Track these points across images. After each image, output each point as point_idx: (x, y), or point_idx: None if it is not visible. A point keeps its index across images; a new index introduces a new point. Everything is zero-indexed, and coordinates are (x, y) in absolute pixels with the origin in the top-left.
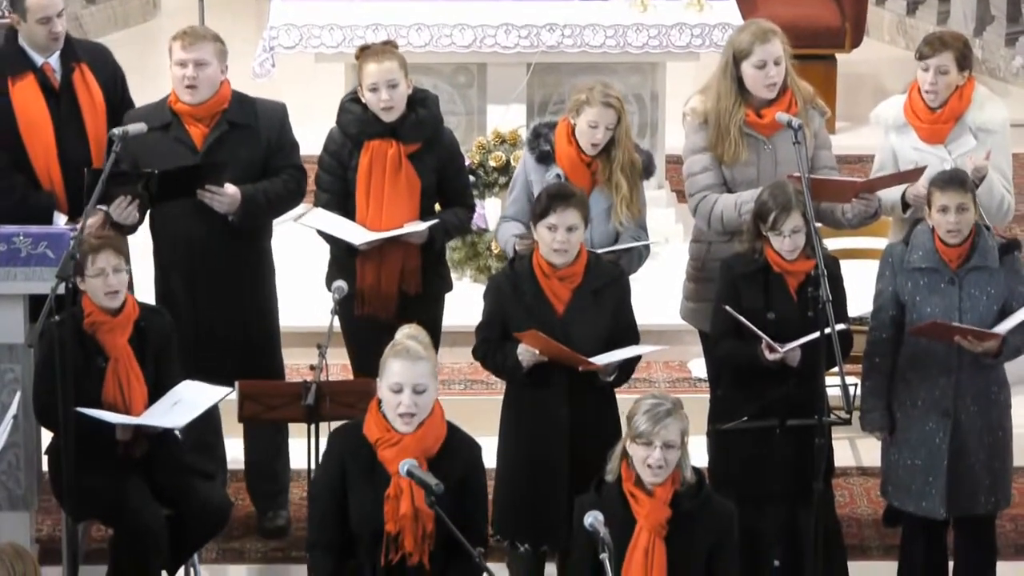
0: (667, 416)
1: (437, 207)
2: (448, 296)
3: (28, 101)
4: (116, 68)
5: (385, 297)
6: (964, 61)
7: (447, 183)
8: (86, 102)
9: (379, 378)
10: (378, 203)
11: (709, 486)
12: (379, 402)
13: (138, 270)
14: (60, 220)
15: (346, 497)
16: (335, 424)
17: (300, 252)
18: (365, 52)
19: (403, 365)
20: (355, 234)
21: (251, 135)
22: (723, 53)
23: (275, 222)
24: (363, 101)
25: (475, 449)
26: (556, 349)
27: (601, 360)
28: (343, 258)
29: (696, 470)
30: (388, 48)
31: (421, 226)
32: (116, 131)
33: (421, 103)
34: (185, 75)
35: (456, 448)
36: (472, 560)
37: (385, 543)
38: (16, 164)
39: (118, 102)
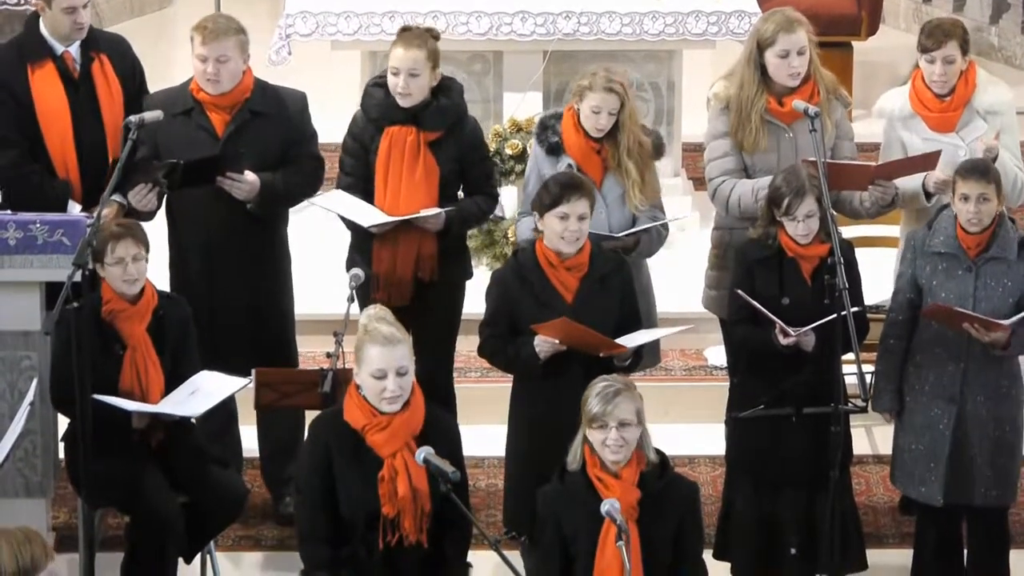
0: (616, 395)
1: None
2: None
3: (47, 89)
4: (135, 61)
5: (400, 282)
6: (966, 46)
7: (469, 172)
8: (104, 92)
9: (356, 364)
10: (395, 189)
11: (671, 464)
12: (357, 387)
13: (152, 256)
14: (74, 209)
15: (334, 486)
16: None
17: (317, 239)
18: (401, 33)
19: (382, 351)
20: (367, 216)
21: (272, 124)
22: (748, 40)
23: (292, 209)
24: (386, 85)
25: (453, 422)
26: (583, 333)
27: (626, 342)
28: (362, 243)
29: (658, 451)
30: (424, 36)
31: (436, 211)
32: (132, 119)
33: (445, 91)
34: (206, 70)
35: (437, 423)
36: (462, 530)
37: (382, 526)
38: (32, 152)
39: (135, 94)
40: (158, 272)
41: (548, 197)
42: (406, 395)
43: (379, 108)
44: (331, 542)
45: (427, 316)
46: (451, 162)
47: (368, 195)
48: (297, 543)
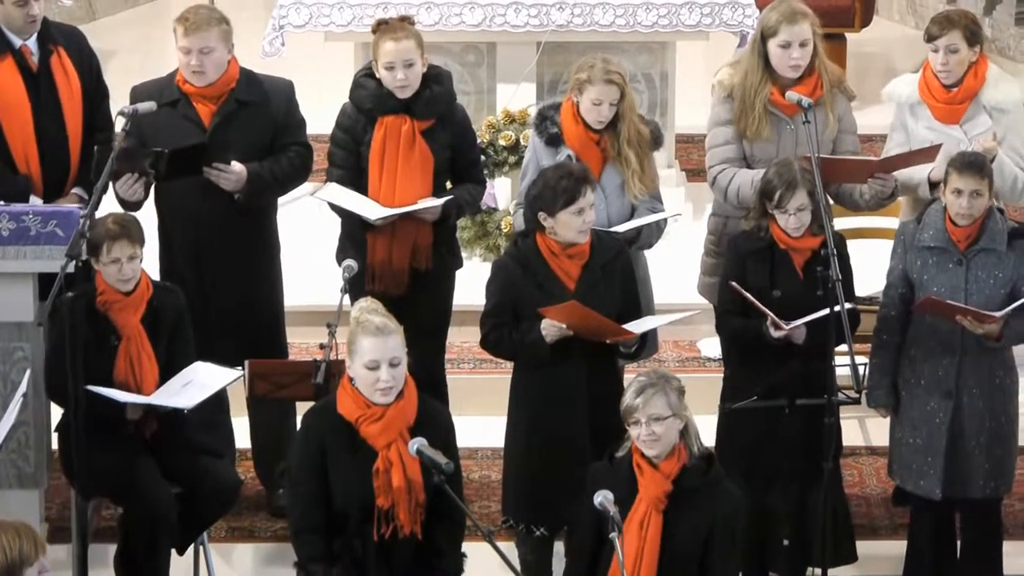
0: (646, 390)
1: (448, 184)
2: (458, 275)
3: (7, 83)
4: (91, 53)
5: (396, 273)
6: (973, 37)
7: (459, 159)
8: (64, 86)
9: (348, 357)
10: (391, 179)
11: (720, 468)
12: (350, 379)
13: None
14: (35, 203)
15: (327, 478)
16: None
17: (308, 230)
18: (382, 28)
19: (375, 342)
20: (370, 210)
21: (259, 113)
22: (755, 29)
23: (283, 199)
24: (377, 76)
25: (446, 414)
26: (590, 318)
27: (633, 328)
28: (355, 234)
29: (707, 449)
30: (405, 25)
31: (436, 202)
32: (126, 109)
33: (435, 79)
34: (190, 63)
35: (431, 415)
36: (455, 521)
37: (377, 518)
38: None
39: (92, 87)
40: (147, 264)
41: (563, 195)
42: (399, 386)
43: (372, 99)
44: (325, 534)
45: (420, 306)
46: (444, 149)
47: (360, 187)
48: (290, 535)
